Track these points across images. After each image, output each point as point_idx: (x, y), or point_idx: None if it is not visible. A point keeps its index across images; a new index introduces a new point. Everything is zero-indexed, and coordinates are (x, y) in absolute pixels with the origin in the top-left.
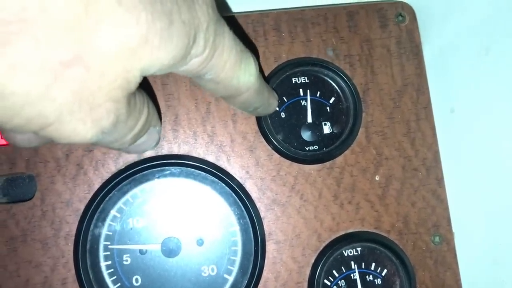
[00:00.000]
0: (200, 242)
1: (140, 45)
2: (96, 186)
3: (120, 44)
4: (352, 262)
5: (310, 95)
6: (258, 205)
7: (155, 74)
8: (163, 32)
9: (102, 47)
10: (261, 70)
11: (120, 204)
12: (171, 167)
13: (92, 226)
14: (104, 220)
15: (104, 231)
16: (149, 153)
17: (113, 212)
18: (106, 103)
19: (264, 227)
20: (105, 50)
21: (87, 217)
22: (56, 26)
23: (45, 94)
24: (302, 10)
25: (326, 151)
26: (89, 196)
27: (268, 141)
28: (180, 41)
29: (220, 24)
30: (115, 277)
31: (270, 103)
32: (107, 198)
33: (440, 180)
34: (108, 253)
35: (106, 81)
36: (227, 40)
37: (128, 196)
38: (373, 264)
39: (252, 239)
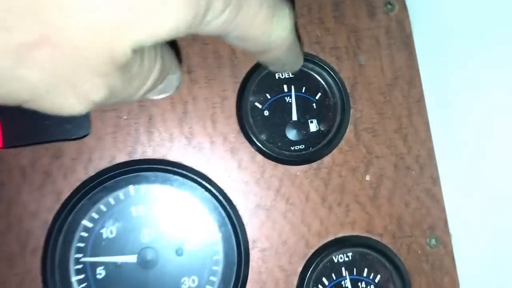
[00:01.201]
0: (179, 252)
1: (122, 21)
2: (65, 195)
3: (94, 22)
4: (343, 269)
5: (294, 91)
6: (240, 210)
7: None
8: (154, 2)
9: (70, 27)
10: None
11: (92, 213)
12: (145, 173)
13: (61, 238)
14: (74, 231)
15: (75, 243)
16: (122, 158)
17: (84, 222)
18: (93, 79)
19: (248, 234)
20: (75, 29)
21: (56, 228)
22: (12, 9)
23: (11, 75)
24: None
25: (312, 150)
26: (58, 206)
27: (251, 142)
28: (184, 10)
29: None
30: None
31: (297, 61)
32: (77, 208)
33: (435, 179)
34: (80, 266)
35: (85, 59)
36: None
37: (100, 204)
38: (366, 270)
39: (235, 247)
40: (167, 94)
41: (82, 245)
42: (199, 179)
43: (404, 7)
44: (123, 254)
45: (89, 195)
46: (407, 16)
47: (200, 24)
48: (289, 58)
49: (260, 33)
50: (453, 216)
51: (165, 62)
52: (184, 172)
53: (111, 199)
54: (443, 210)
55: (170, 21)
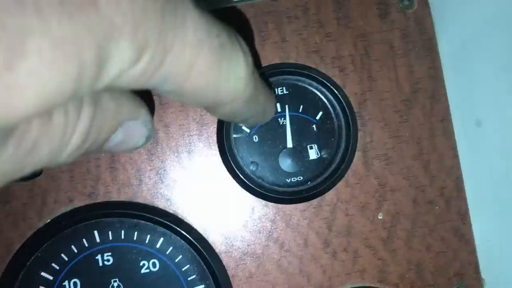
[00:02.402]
0: None
1: None
2: (16, 246)
3: None
4: None
5: (289, 111)
6: (225, 260)
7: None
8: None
9: None
10: (257, 65)
11: (51, 264)
12: (109, 219)
13: None
14: (29, 286)
15: None
16: (81, 201)
17: (43, 274)
18: None
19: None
20: None
21: (7, 285)
22: None
23: None
24: (274, 1)
25: (312, 184)
26: (8, 259)
27: (235, 177)
28: (52, 71)
29: (173, 6)
30: None
31: (267, 111)
32: (30, 261)
33: (463, 215)
34: None
35: None
36: (191, 32)
37: (61, 254)
38: None
39: None
40: (133, 147)
41: None
42: (173, 225)
43: (425, 3)
44: None
45: (45, 246)
46: (429, 13)
47: (99, 82)
48: (252, 111)
49: (202, 85)
50: (486, 260)
51: (109, 107)
52: (155, 218)
53: (73, 247)
54: (473, 252)
55: (30, 93)
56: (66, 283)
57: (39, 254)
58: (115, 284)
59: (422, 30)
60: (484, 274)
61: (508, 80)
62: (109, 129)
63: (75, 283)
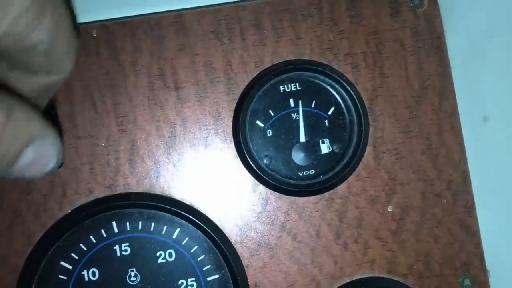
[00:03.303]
0: None
1: None
2: (37, 236)
3: None
4: None
5: (302, 107)
6: (239, 250)
7: None
8: None
9: None
10: None
11: (70, 253)
12: (128, 209)
13: (34, 285)
14: (50, 275)
15: None
16: (100, 192)
17: (62, 263)
18: None
19: (248, 277)
20: None
21: (28, 274)
22: None
23: None
24: None
25: (324, 178)
26: (29, 249)
27: (250, 169)
28: None
29: None
30: None
31: (57, 49)
32: (51, 251)
33: (470, 208)
34: None
35: None
36: None
37: (79, 244)
38: None
39: None
40: (43, 170)
41: None
42: (190, 216)
43: (434, 2)
44: None
45: (65, 236)
46: (439, 13)
47: None
48: (35, 38)
49: None
50: (491, 251)
51: (21, 117)
52: (173, 208)
53: (91, 237)
54: (479, 244)
55: None
56: (84, 272)
57: (59, 244)
58: (132, 274)
59: (431, 29)
60: (489, 265)
61: None
62: (21, 142)
63: (93, 273)
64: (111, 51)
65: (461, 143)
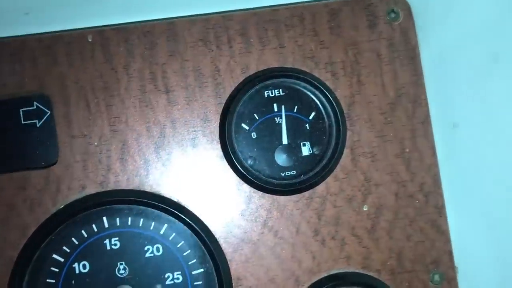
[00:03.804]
0: None
1: None
2: (31, 229)
3: None
4: None
5: (285, 111)
6: (223, 245)
7: None
8: None
9: None
10: None
11: (62, 247)
12: (118, 205)
13: (27, 276)
14: (42, 267)
15: (44, 280)
16: (92, 188)
17: (55, 256)
18: None
19: (232, 271)
20: None
21: (21, 266)
22: None
23: None
24: (274, 10)
25: (304, 178)
26: (23, 241)
27: (235, 169)
28: None
29: None
30: None
31: None
32: (44, 243)
33: (440, 208)
34: None
35: None
36: None
37: (72, 237)
38: None
39: (217, 286)
40: None
41: (52, 281)
42: (177, 212)
43: (409, 16)
44: None
45: (57, 230)
46: (413, 25)
47: None
48: None
49: None
50: (460, 249)
51: None
52: (161, 205)
53: (83, 232)
54: (448, 243)
55: None
56: (75, 265)
57: (52, 237)
58: (121, 267)
59: (406, 41)
60: (457, 262)
61: (481, 88)
62: None
63: (84, 265)
64: (105, 55)
65: (432, 148)
